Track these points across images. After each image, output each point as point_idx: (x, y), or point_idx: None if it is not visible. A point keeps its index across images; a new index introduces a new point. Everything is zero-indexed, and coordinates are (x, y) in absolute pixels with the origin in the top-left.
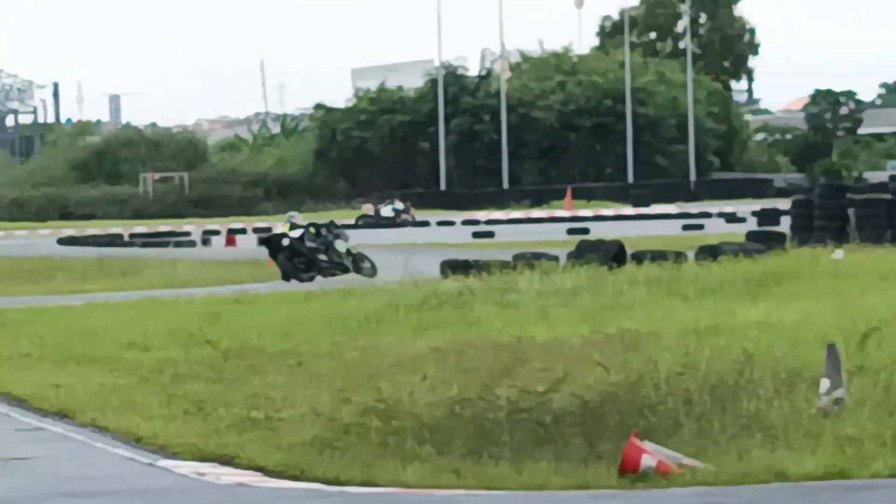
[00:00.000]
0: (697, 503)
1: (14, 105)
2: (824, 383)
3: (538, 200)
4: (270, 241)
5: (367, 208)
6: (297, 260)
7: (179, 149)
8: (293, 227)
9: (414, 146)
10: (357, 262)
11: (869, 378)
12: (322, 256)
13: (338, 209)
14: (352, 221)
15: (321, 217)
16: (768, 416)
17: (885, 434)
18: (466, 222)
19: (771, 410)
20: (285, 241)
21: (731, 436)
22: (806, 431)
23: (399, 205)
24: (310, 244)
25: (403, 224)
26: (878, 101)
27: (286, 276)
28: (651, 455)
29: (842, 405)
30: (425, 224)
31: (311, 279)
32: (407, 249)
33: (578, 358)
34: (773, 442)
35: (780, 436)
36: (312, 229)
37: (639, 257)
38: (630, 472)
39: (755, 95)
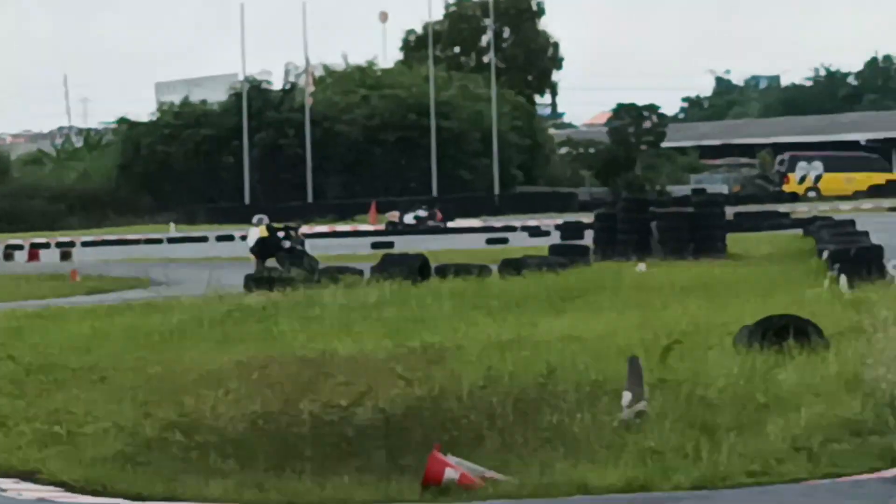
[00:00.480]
0: None
1: None
2: (626, 396)
3: (343, 214)
4: (267, 243)
5: (393, 216)
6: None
7: None
8: (270, 228)
9: (218, 160)
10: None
11: (670, 390)
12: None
13: (143, 223)
14: (382, 228)
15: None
16: (571, 428)
17: (687, 446)
18: None
19: (574, 423)
20: (286, 244)
21: (533, 449)
22: (608, 444)
23: (422, 213)
24: (298, 247)
25: (428, 231)
26: (681, 115)
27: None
28: (454, 468)
29: (644, 417)
30: (449, 231)
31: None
32: (210, 264)
33: (382, 372)
34: (576, 455)
35: (582, 448)
36: (293, 233)
37: (443, 271)
38: (433, 486)
39: (559, 109)
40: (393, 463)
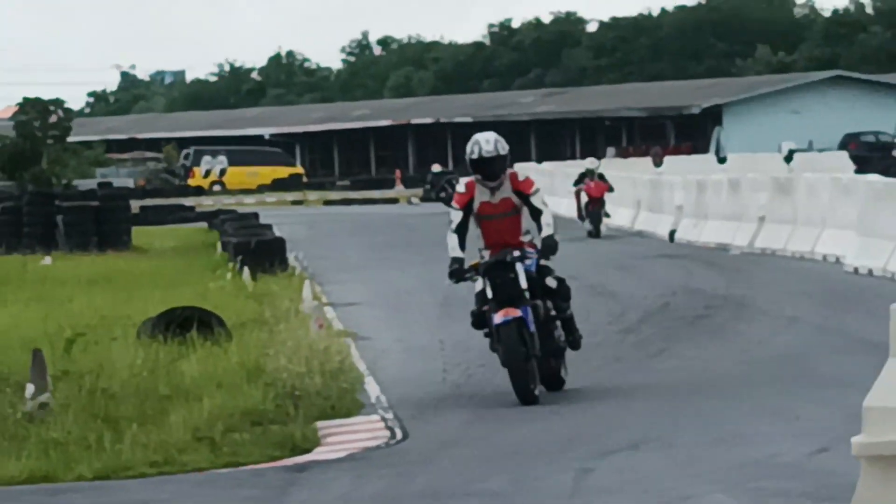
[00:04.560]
0: None
1: None
2: (30, 388)
3: None
4: None
5: None
6: None
7: None
8: None
9: None
10: None
11: (74, 382)
12: None
13: None
14: None
15: None
16: None
17: (90, 437)
18: None
19: None
20: None
21: None
22: (11, 436)
23: None
24: None
25: None
26: (87, 110)
27: None
28: None
29: (47, 409)
30: None
31: None
32: None
33: None
34: None
35: None
36: None
37: None
38: None
39: None
40: None
